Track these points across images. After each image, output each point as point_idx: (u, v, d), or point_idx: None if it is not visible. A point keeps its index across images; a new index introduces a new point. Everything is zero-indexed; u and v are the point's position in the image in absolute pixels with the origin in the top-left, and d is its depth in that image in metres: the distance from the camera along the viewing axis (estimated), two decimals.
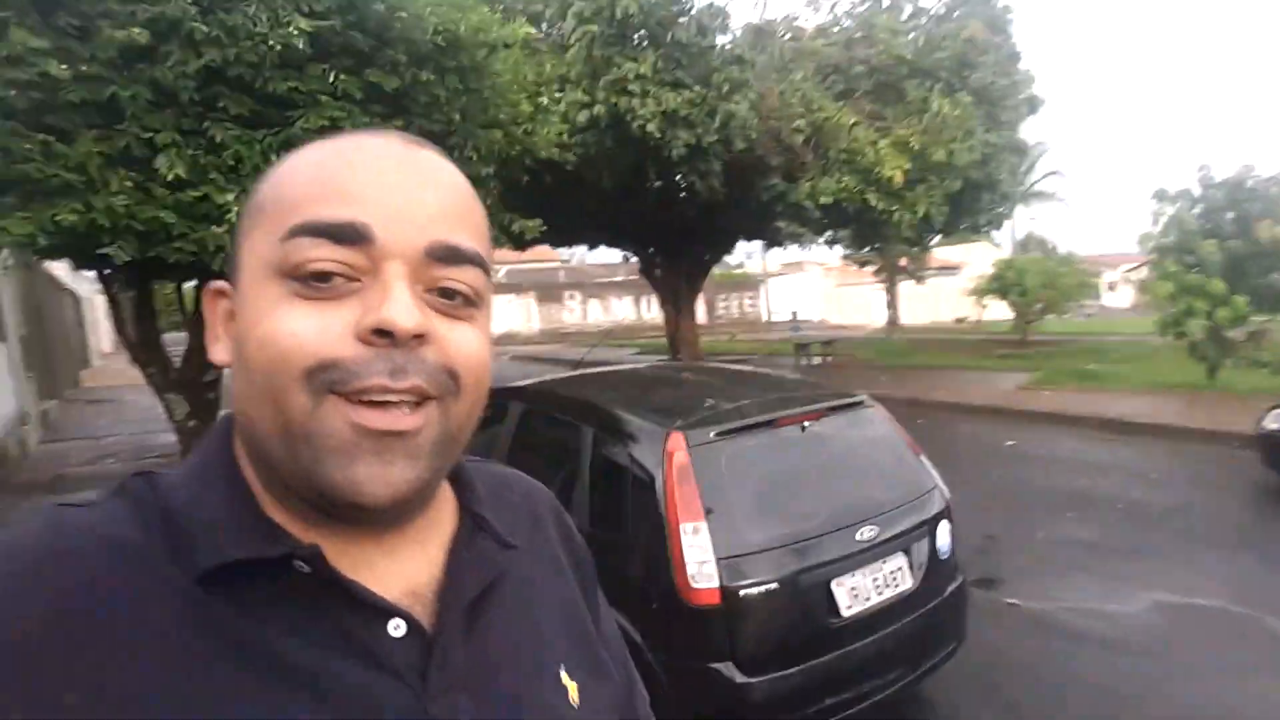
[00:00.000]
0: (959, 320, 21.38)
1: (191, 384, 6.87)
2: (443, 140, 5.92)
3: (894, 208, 11.40)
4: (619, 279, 33.85)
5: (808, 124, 10.93)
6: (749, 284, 37.78)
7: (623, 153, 10.61)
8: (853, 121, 10.81)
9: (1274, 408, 6.21)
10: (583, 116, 10.00)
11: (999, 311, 17.98)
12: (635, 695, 0.70)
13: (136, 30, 4.60)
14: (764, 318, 35.76)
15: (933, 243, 17.21)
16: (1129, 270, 32.96)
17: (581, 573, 0.69)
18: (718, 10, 10.60)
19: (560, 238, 15.85)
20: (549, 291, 34.94)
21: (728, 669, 2.54)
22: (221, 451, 0.53)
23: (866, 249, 17.89)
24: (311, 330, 0.46)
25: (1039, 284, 16.25)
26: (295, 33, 5.03)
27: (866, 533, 2.85)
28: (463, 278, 0.50)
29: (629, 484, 2.87)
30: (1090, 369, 12.12)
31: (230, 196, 5.06)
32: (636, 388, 3.81)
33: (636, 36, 10.01)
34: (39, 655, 0.42)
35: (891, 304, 24.91)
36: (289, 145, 5.23)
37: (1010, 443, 8.36)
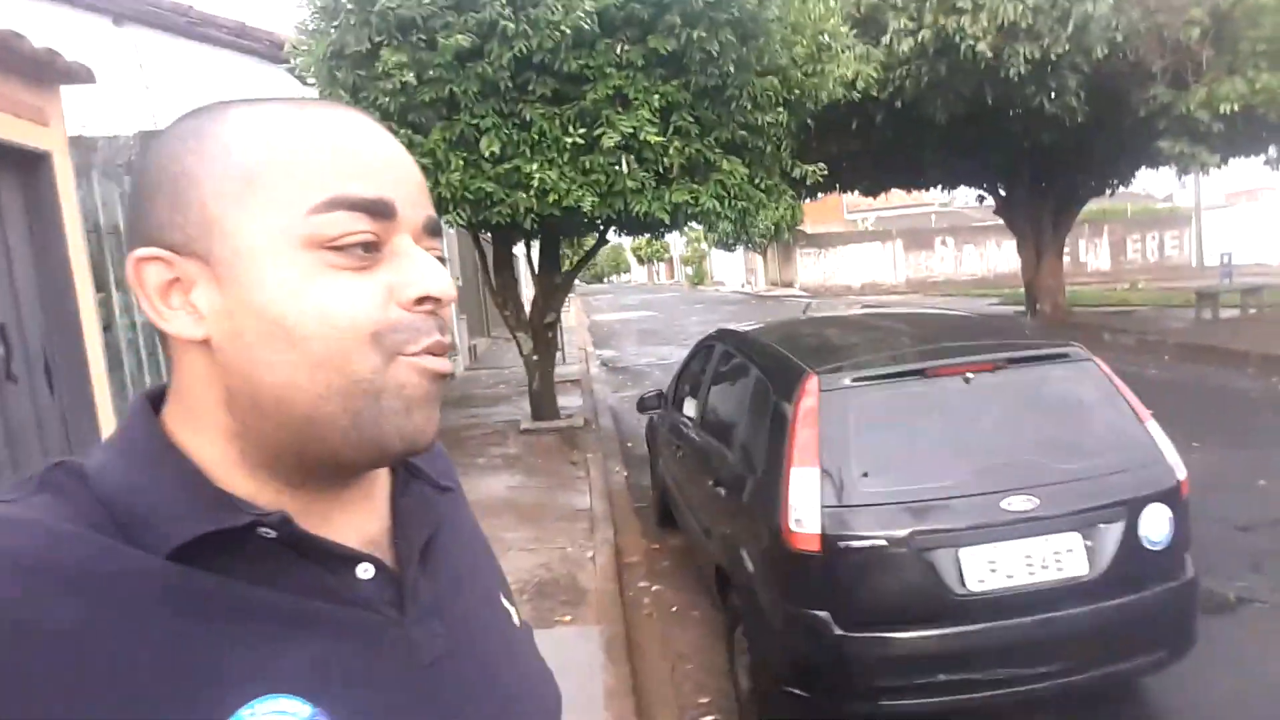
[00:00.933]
0: None
1: (535, 326, 8.28)
2: (719, 93, 6.18)
3: None
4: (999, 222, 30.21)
5: (1206, 13, 8.60)
6: (1173, 220, 30.82)
7: (957, 79, 9.61)
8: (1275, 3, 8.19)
9: None
10: (906, 45, 9.29)
11: None
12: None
13: (462, 36, 5.65)
14: (1193, 262, 28.91)
15: None
16: None
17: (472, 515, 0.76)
18: None
19: (901, 179, 14.89)
20: (918, 237, 32.71)
21: (826, 619, 2.53)
22: (150, 434, 0.52)
23: None
24: (363, 297, 0.49)
25: None
26: (582, 15, 5.68)
27: (1019, 503, 2.52)
28: (439, 247, 0.55)
29: (771, 421, 2.94)
30: None
31: (534, 166, 6.00)
32: (820, 331, 3.73)
33: None
34: (23, 662, 0.42)
35: None
36: (582, 116, 6.01)
37: None
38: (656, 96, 5.91)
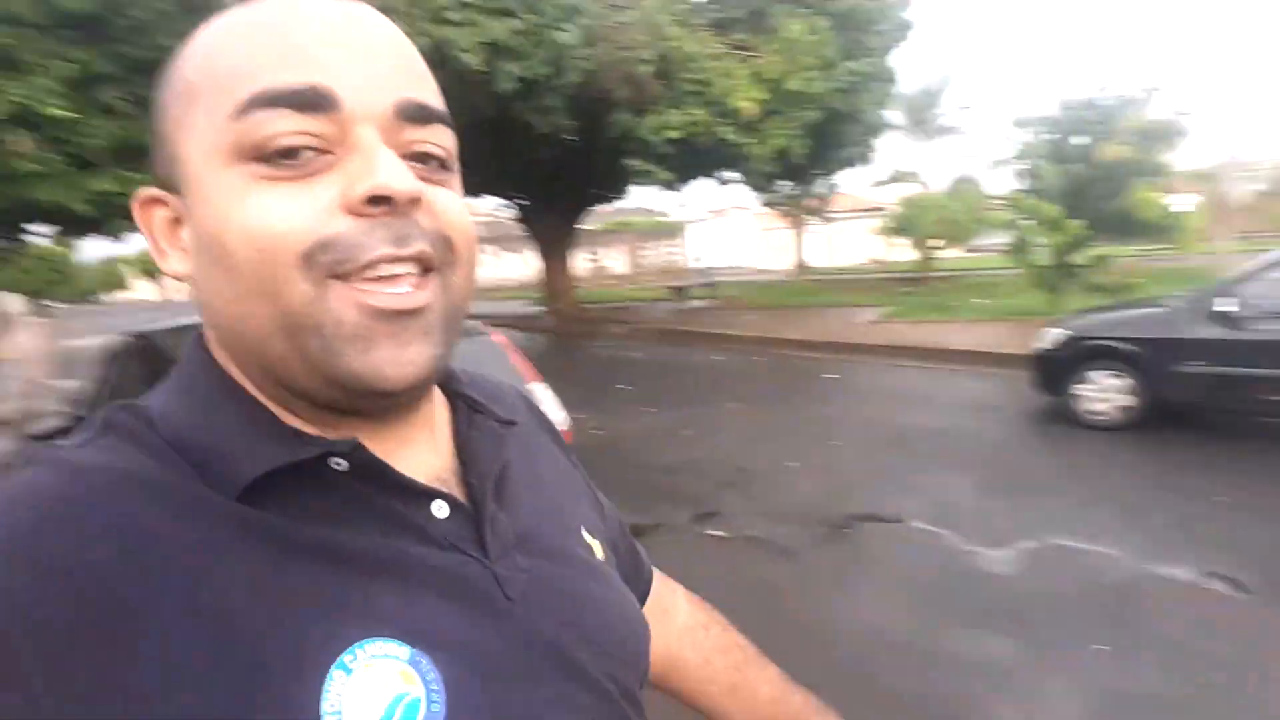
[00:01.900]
0: (873, 261, 21.36)
1: None
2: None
3: (749, 140, 11.07)
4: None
5: (655, 54, 10.46)
6: (670, 231, 37.38)
7: (454, 90, 10.01)
8: (706, 51, 10.37)
9: (1050, 327, 6.16)
10: None
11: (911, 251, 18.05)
12: (641, 565, 0.75)
13: None
14: (689, 265, 35.47)
15: (826, 179, 16.86)
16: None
17: (569, 456, 0.71)
18: None
19: None
20: None
21: None
22: (208, 371, 0.48)
23: (739, 187, 17.57)
24: (297, 210, 0.41)
25: (934, 220, 16.37)
26: None
27: None
28: (435, 139, 0.46)
29: None
30: (949, 301, 12.12)
31: None
32: None
33: None
34: (111, 599, 0.38)
35: (799, 246, 24.79)
36: None
37: (832, 376, 8.29)
38: (67, 64, 4.93)
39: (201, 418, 0.47)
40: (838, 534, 4.04)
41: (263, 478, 0.44)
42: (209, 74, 0.43)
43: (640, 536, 0.77)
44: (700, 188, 15.30)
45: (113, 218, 5.69)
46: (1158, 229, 12.46)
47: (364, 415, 0.48)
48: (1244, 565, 3.32)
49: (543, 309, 16.22)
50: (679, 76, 10.95)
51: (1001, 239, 12.29)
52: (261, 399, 0.47)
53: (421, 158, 0.46)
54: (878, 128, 14.17)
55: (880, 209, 29.47)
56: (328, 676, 0.41)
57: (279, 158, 0.42)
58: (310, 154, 0.42)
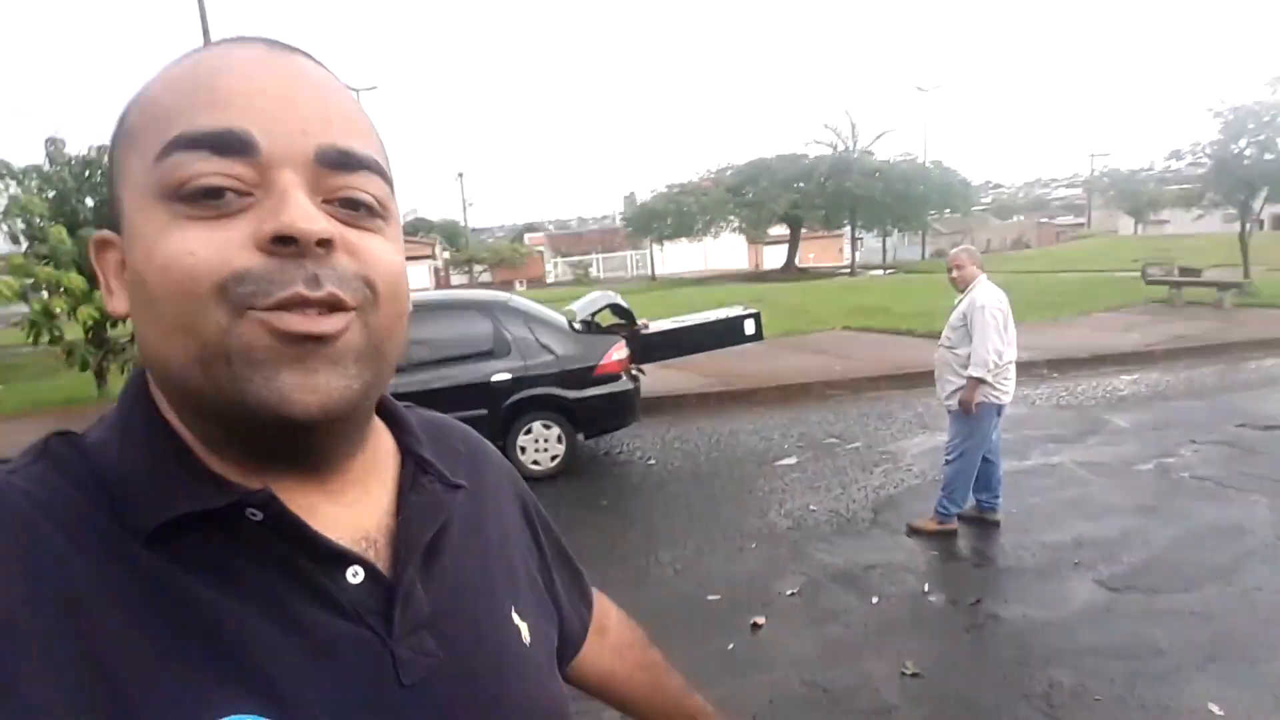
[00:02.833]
0: None
1: None
2: None
3: None
4: None
5: None
6: None
7: None
8: None
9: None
10: None
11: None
12: (585, 589, 0.79)
13: None
14: None
15: None
16: None
17: (528, 516, 0.70)
18: None
19: None
20: None
21: None
22: (143, 407, 0.49)
23: None
24: (212, 245, 0.42)
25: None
26: None
27: None
28: (362, 185, 0.47)
29: None
30: None
31: None
32: None
33: None
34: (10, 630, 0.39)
35: None
36: None
37: None
38: None
39: (129, 454, 0.47)
40: None
41: (175, 522, 0.44)
42: (143, 119, 0.45)
43: None
44: None
45: None
46: None
47: (290, 461, 0.48)
48: None
49: None
50: None
51: (18, 310, 9.87)
52: (189, 440, 0.47)
53: (349, 203, 0.46)
54: None
55: None
56: None
57: (201, 198, 0.42)
58: (231, 195, 0.43)
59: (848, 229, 30.84)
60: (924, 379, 8.35)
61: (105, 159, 0.53)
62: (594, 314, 6.30)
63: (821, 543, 4.35)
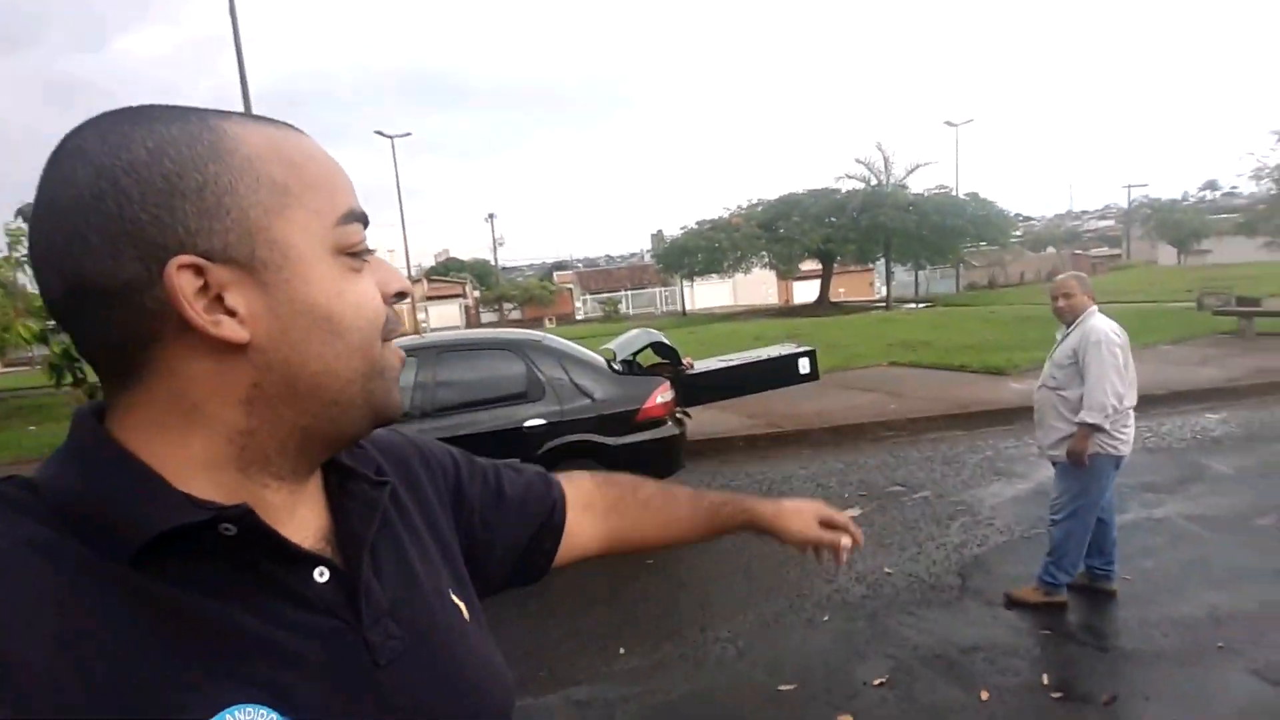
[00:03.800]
0: None
1: None
2: None
3: None
4: None
5: None
6: None
7: None
8: None
9: None
10: None
11: None
12: (549, 484, 0.89)
13: None
14: None
15: None
16: None
17: (449, 481, 0.77)
18: None
19: None
20: None
21: None
22: (101, 442, 0.51)
23: None
24: (374, 293, 0.56)
25: None
26: None
27: None
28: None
29: None
30: None
31: None
32: None
33: None
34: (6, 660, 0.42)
35: None
36: None
37: None
38: None
39: (97, 483, 0.49)
40: None
41: (154, 542, 0.47)
42: (308, 184, 0.53)
43: None
44: None
45: None
46: None
47: (314, 467, 0.58)
48: None
49: None
50: None
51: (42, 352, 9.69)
52: (162, 466, 0.50)
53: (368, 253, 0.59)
54: None
55: None
56: None
57: (361, 256, 0.56)
58: (366, 254, 0.57)
59: (879, 263, 30.24)
60: (988, 418, 7.84)
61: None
62: (635, 353, 5.80)
63: (905, 615, 3.76)
